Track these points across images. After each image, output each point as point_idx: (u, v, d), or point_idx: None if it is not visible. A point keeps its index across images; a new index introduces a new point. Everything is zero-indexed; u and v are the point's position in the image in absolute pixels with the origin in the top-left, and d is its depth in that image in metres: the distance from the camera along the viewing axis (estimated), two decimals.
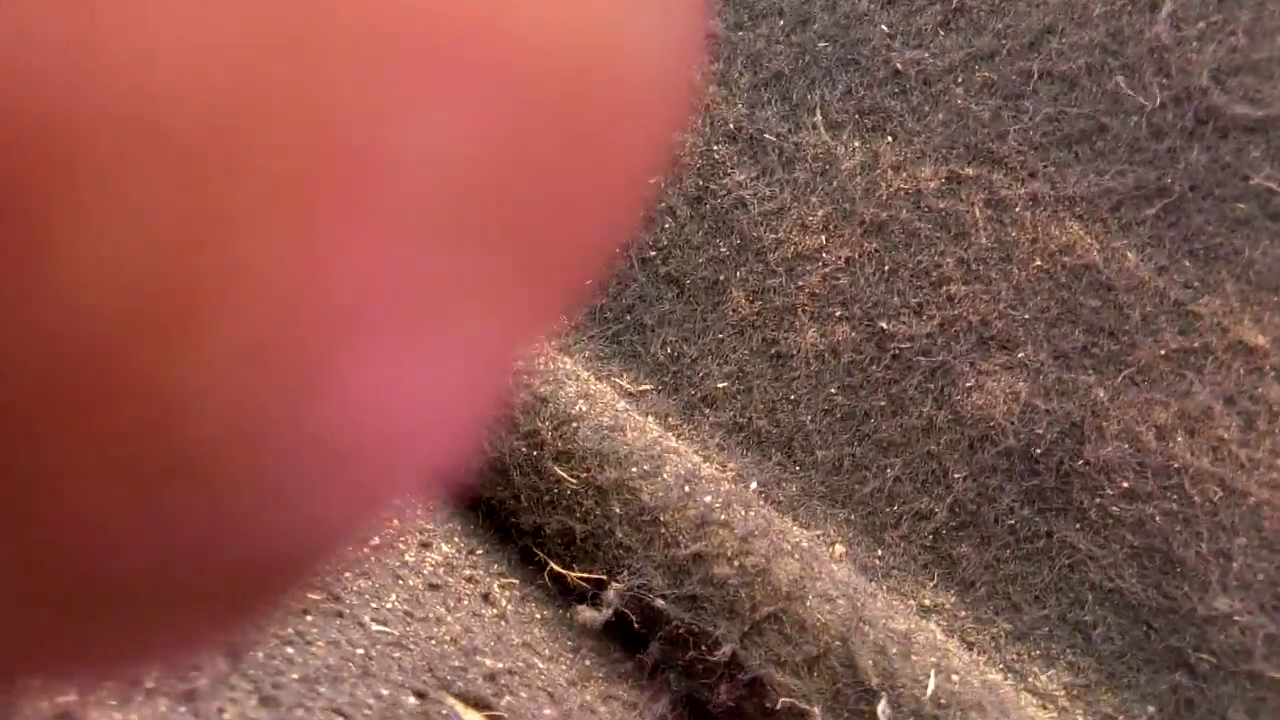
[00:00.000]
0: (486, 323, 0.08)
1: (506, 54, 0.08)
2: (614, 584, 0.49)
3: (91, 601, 0.08)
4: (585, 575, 0.50)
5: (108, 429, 0.07)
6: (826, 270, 0.56)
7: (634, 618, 0.49)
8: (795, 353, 0.55)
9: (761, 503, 0.52)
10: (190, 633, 0.09)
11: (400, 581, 0.48)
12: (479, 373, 0.09)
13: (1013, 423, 0.50)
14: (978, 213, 0.53)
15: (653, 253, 0.59)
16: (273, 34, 0.07)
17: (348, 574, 0.45)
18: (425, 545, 0.52)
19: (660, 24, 0.08)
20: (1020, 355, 0.51)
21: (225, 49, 0.07)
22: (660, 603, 0.48)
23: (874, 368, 0.54)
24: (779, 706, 0.45)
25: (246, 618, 0.09)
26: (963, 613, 0.49)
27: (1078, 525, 0.48)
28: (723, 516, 0.50)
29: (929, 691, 0.45)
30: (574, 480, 0.51)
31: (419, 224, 0.07)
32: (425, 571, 0.49)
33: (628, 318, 0.59)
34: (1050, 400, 0.50)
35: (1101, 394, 0.49)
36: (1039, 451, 0.49)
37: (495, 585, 0.51)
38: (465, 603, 0.49)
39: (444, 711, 0.41)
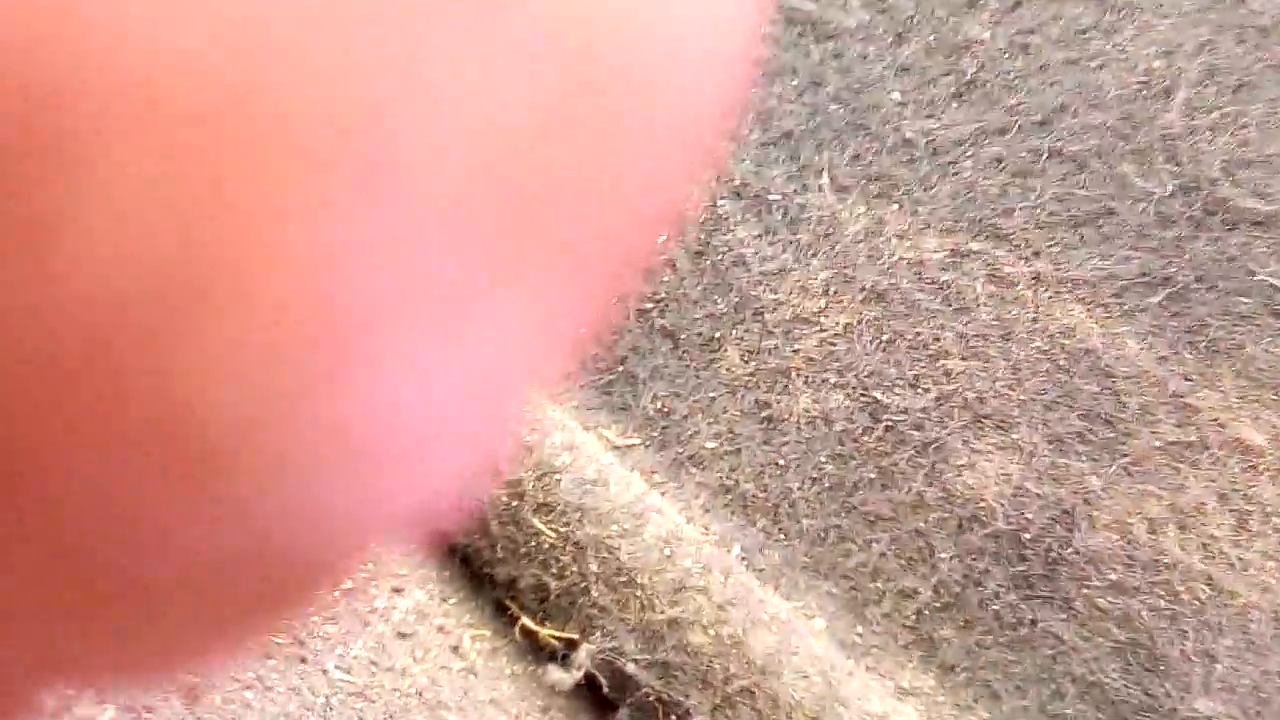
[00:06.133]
0: (512, 322, 0.08)
1: (555, 25, 0.07)
2: (585, 644, 0.48)
3: (114, 601, 0.08)
4: (558, 634, 0.49)
5: (118, 422, 0.07)
6: (824, 335, 0.55)
7: (604, 681, 0.48)
8: (787, 417, 0.54)
9: (743, 569, 0.51)
10: (214, 634, 0.09)
11: (368, 628, 0.47)
12: (503, 374, 0.08)
13: (1003, 505, 0.49)
14: (980, 288, 0.52)
15: (650, 304, 0.59)
16: None
17: (315, 617, 0.44)
18: (398, 590, 0.51)
19: (718, 30, 0.08)
20: (1015, 436, 0.50)
21: (238, 11, 0.06)
22: (632, 667, 0.47)
23: (866, 438, 0.53)
24: None
25: (267, 621, 0.09)
26: (941, 698, 0.48)
27: (1063, 615, 0.47)
28: (701, 582, 0.49)
29: None
30: (552, 534, 0.50)
31: (447, 211, 0.07)
32: (395, 619, 0.48)
33: (620, 369, 0.58)
34: (1042, 484, 0.49)
35: (1095, 481, 0.48)
36: (1028, 536, 0.48)
37: (466, 636, 0.50)
38: (433, 654, 0.48)
39: None
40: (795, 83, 0.60)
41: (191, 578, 0.08)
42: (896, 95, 0.57)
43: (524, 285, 0.08)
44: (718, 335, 0.57)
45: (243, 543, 0.08)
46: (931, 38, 0.56)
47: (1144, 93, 0.51)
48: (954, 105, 0.56)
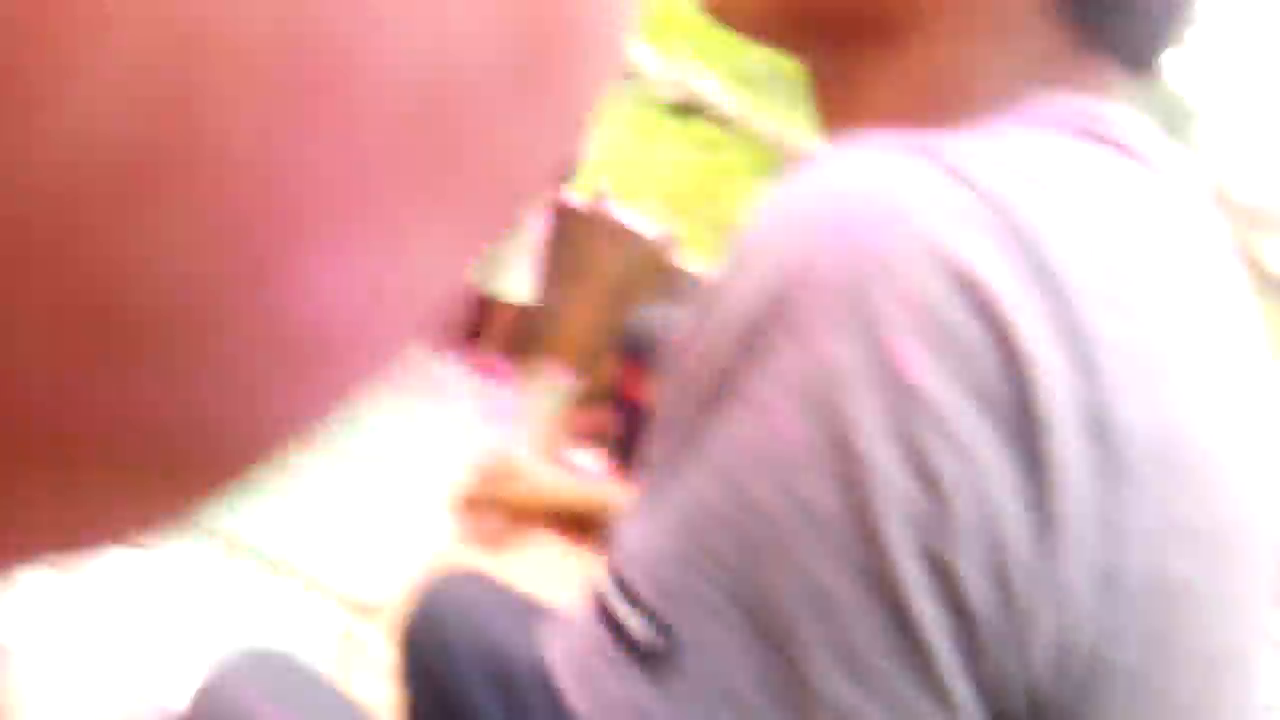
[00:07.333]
0: (432, 236, 0.09)
1: None
2: None
3: (32, 460, 0.08)
4: None
5: (61, 283, 0.07)
6: None
7: None
8: None
9: None
10: (130, 508, 0.09)
11: None
12: (425, 282, 0.09)
13: None
14: None
15: None
16: None
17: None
18: None
19: None
20: None
21: None
22: None
23: None
24: None
25: (187, 499, 0.09)
26: None
27: None
28: None
29: None
30: None
31: (386, 127, 0.08)
32: None
33: None
34: None
35: None
36: None
37: None
38: None
39: None
40: None
41: (115, 446, 0.08)
42: None
43: (439, 202, 0.08)
44: None
45: (170, 414, 0.08)
46: None
47: None
48: None
